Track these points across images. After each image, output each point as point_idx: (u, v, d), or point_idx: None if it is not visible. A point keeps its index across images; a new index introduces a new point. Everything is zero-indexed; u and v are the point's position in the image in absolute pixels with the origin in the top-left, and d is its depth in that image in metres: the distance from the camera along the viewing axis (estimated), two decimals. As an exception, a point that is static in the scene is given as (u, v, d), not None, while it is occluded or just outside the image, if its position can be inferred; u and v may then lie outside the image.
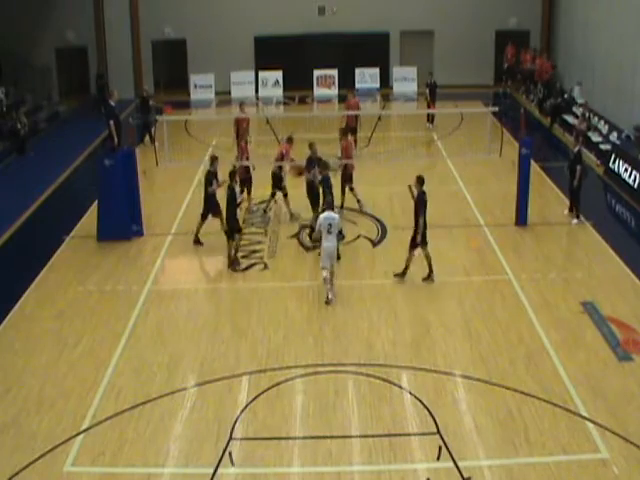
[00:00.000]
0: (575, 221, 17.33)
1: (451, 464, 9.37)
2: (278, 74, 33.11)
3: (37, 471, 9.45)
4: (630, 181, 19.45)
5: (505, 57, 32.53)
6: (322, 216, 13.96)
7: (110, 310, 13.74)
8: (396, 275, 14.65)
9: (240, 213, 16.58)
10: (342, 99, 31.08)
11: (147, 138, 23.97)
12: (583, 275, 14.69)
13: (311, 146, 17.07)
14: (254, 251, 16.24)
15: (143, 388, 11.21)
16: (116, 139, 21.22)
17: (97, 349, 12.40)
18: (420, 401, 10.69)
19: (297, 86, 32.69)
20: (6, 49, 29.26)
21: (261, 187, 18.48)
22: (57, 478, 9.36)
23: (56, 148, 25.03)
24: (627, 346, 12.09)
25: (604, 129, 23.65)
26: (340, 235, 14.92)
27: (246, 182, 18.18)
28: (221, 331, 12.92)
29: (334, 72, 33.24)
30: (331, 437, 10.00)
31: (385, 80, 33.63)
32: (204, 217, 16.45)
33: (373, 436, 10.01)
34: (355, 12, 32.45)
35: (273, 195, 18.24)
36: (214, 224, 17.67)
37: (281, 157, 18.05)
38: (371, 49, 33.47)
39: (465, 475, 9.17)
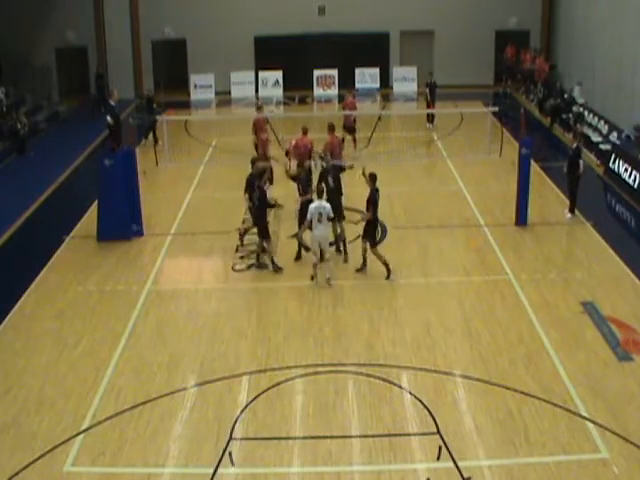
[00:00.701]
0: (569, 216, 17.35)
1: (451, 464, 9.37)
2: (278, 74, 33.13)
3: (37, 471, 9.45)
4: (630, 181, 19.45)
5: (505, 57, 32.57)
6: (313, 205, 14.18)
7: (110, 310, 13.74)
8: (357, 271, 14.84)
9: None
10: (342, 99, 31.13)
11: (151, 137, 23.92)
12: (583, 275, 14.69)
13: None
14: (254, 251, 16.22)
15: (143, 388, 11.21)
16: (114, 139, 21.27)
17: (97, 349, 12.40)
18: (420, 401, 10.69)
19: (297, 86, 32.70)
20: (6, 49, 29.27)
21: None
22: (57, 478, 9.36)
23: (56, 148, 25.03)
24: (627, 346, 12.09)
25: (604, 129, 23.65)
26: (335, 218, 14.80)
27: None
28: (221, 331, 12.92)
29: (334, 72, 33.26)
30: (331, 437, 10.00)
31: (385, 80, 33.64)
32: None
33: (373, 436, 10.01)
34: (355, 12, 32.45)
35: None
36: (214, 224, 17.71)
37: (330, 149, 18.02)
38: (371, 49, 33.49)
39: (465, 475, 9.17)
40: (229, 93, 32.88)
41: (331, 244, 15.39)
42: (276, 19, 32.28)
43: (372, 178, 14.61)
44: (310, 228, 14.30)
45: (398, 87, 33.43)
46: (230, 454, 9.67)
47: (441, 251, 16.10)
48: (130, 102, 30.73)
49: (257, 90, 33.12)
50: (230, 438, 9.98)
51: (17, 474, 9.36)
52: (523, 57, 31.71)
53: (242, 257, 15.94)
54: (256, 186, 15.09)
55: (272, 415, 10.49)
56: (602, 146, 22.37)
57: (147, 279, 14.94)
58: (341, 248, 15.69)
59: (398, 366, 11.66)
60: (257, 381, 11.35)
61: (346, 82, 32.56)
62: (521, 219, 17.12)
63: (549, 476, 9.16)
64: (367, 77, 33.69)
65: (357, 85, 33.36)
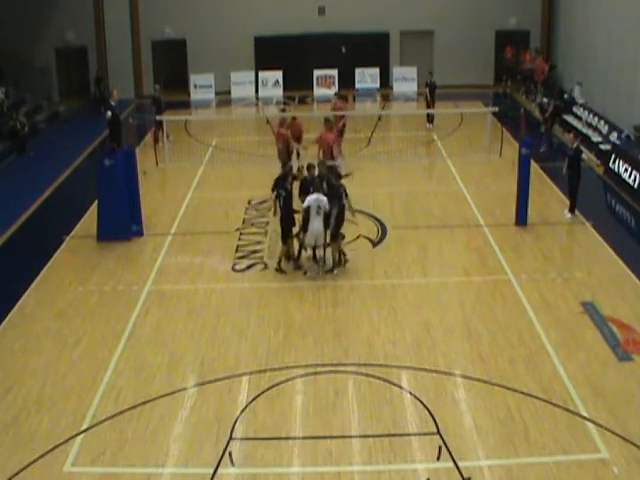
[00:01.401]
0: (569, 216, 17.35)
1: (451, 464, 9.37)
2: (278, 74, 33.13)
3: (37, 471, 9.44)
4: (630, 181, 19.45)
5: (505, 57, 32.58)
6: (312, 198, 14.11)
7: (110, 310, 13.74)
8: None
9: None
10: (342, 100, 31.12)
11: (160, 135, 23.89)
12: (583, 275, 14.69)
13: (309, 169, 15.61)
14: (254, 251, 16.24)
15: (143, 388, 11.21)
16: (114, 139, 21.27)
17: (97, 349, 12.40)
18: (420, 401, 10.69)
19: (297, 86, 32.71)
20: (6, 49, 29.28)
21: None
22: (57, 478, 9.36)
23: (56, 148, 25.04)
24: (627, 346, 12.08)
25: (604, 129, 23.66)
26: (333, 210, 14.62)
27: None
28: (221, 331, 12.92)
29: (334, 72, 33.27)
30: (331, 437, 10.00)
31: (385, 80, 33.64)
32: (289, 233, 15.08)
33: (373, 436, 10.01)
34: (355, 12, 32.45)
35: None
36: (214, 224, 17.72)
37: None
38: (371, 49, 33.50)
39: (465, 475, 9.17)
40: (229, 93, 32.89)
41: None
42: (276, 19, 32.29)
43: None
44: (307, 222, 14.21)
45: (398, 87, 33.43)
46: (230, 454, 9.67)
47: (441, 251, 16.09)
48: (130, 102, 30.74)
49: (257, 90, 33.13)
50: (230, 438, 9.98)
51: (17, 474, 9.36)
52: (523, 57, 31.72)
53: (242, 257, 15.94)
54: (282, 187, 14.91)
55: (272, 415, 10.49)
56: (602, 146, 22.38)
57: (147, 279, 14.94)
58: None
59: (398, 366, 11.66)
60: (257, 381, 11.34)
61: (346, 82, 32.69)
62: (521, 219, 17.12)
63: (549, 476, 9.16)
64: (367, 77, 33.70)
65: (357, 85, 33.42)
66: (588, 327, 12.71)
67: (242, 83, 33.12)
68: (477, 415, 10.36)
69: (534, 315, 13.11)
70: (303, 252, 15.31)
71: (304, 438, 10.03)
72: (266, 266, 15.46)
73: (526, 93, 31.13)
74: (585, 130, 24.07)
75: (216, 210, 18.69)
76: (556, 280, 14.50)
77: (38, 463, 9.56)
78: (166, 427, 10.28)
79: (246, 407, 10.67)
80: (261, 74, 33.13)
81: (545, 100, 25.48)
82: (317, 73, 33.32)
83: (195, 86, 33.10)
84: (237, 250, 16.30)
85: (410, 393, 10.93)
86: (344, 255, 15.09)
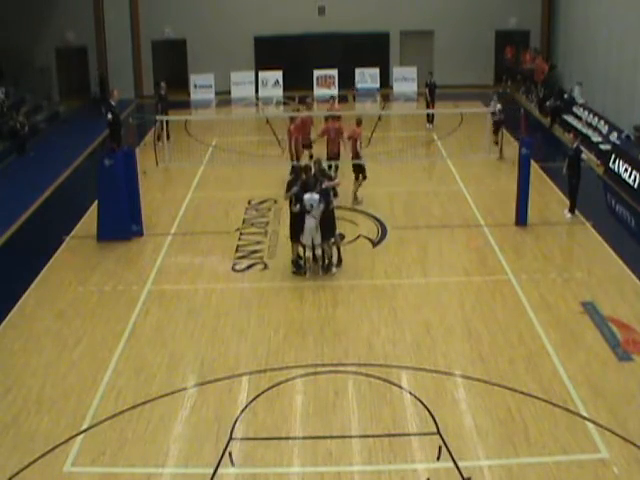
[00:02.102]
0: (569, 216, 17.35)
1: (451, 464, 9.37)
2: (278, 74, 33.13)
3: (37, 471, 9.44)
4: (630, 181, 19.45)
5: (505, 57, 32.57)
6: (306, 197, 14.13)
7: (110, 310, 13.74)
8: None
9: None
10: (342, 99, 31.17)
11: (150, 136, 23.90)
12: (583, 275, 14.69)
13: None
14: (254, 251, 16.24)
15: (143, 388, 11.21)
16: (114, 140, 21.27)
17: (97, 349, 12.40)
18: (420, 401, 10.69)
19: (297, 86, 32.70)
20: (6, 49, 29.27)
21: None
22: (57, 478, 9.36)
23: (56, 148, 25.03)
24: (627, 346, 12.08)
25: (604, 129, 23.65)
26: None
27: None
28: (221, 331, 12.92)
29: (334, 72, 33.27)
30: (331, 437, 10.00)
31: (385, 80, 33.64)
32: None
33: (373, 436, 10.01)
34: (355, 12, 32.44)
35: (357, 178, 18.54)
36: (214, 224, 17.72)
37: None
38: (371, 49, 33.49)
39: (465, 475, 9.17)
40: (229, 93, 32.89)
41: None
42: (276, 19, 32.28)
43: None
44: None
45: (398, 87, 33.43)
46: (230, 454, 9.67)
47: (441, 251, 16.09)
48: (130, 102, 30.73)
49: (257, 90, 33.12)
50: (230, 438, 9.98)
51: (17, 474, 9.36)
52: (523, 57, 31.72)
53: (242, 257, 15.94)
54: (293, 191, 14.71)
55: (272, 415, 10.49)
56: (602, 146, 22.37)
57: (147, 279, 14.94)
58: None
59: (398, 366, 11.66)
60: (257, 381, 11.34)
61: (346, 82, 32.68)
62: (521, 219, 17.12)
63: (549, 476, 9.15)
64: (367, 77, 33.69)
65: (357, 85, 33.41)
66: (588, 327, 12.71)
67: (242, 83, 33.11)
68: (477, 415, 10.36)
69: (534, 315, 13.11)
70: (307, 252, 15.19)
71: (304, 438, 10.03)
72: (266, 266, 15.46)
73: (526, 93, 31.13)
74: (585, 130, 24.07)
75: (216, 210, 18.69)
76: (556, 280, 14.50)
77: (38, 463, 9.56)
78: (166, 427, 10.28)
79: (246, 407, 10.67)
80: (261, 74, 33.12)
81: (499, 107, 22.51)
82: (317, 73, 33.32)
83: (195, 86, 33.09)
84: (237, 250, 16.30)
85: (410, 393, 10.93)
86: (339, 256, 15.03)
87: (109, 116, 22.00)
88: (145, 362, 11.94)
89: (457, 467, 9.29)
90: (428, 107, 26.42)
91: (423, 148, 24.22)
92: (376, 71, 33.60)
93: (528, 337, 12.42)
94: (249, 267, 15.48)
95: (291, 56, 32.78)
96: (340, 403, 10.73)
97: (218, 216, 18.33)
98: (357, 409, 10.58)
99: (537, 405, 10.54)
